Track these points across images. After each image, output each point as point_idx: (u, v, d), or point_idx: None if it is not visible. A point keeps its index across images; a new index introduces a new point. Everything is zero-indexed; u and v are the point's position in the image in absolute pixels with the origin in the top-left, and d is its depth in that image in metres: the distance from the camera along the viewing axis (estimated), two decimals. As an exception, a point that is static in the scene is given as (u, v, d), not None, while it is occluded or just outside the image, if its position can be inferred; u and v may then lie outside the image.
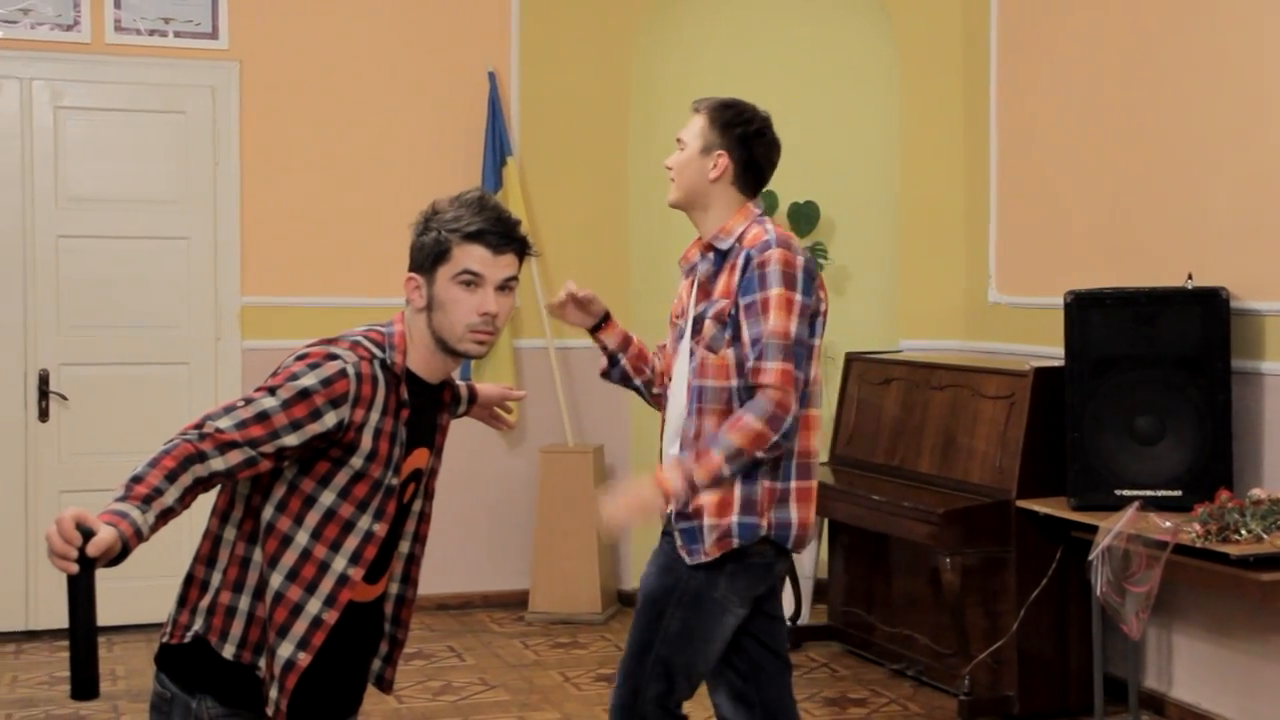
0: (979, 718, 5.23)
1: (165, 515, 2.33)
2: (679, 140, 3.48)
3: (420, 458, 2.69)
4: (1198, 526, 4.37)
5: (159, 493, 2.31)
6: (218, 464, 2.40)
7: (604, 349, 3.62)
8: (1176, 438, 4.82)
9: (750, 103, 3.50)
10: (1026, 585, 5.20)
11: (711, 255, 3.39)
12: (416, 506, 2.74)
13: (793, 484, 3.32)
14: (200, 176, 6.60)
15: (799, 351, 3.22)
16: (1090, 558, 4.57)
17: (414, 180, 6.80)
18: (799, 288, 3.25)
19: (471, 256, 2.59)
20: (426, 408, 2.69)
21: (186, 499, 2.37)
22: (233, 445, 2.41)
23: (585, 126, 7.10)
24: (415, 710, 5.39)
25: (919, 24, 6.88)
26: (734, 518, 3.28)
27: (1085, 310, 4.93)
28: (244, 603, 2.55)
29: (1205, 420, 4.78)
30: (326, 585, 2.55)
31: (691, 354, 3.34)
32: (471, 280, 2.59)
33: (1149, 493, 4.77)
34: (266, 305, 6.65)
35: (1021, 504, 5.15)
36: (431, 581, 6.95)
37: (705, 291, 3.36)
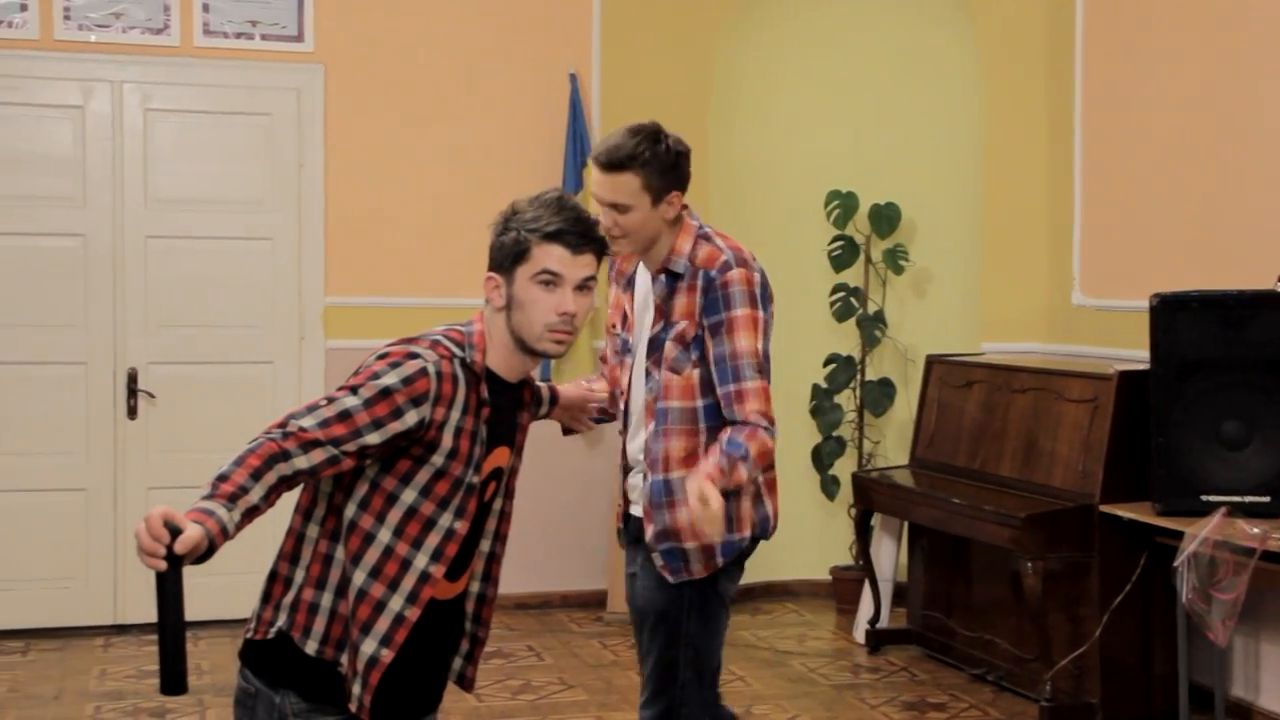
0: (1061, 724, 5.19)
1: (250, 513, 2.37)
2: (615, 205, 3.29)
3: (501, 456, 2.71)
4: (1286, 533, 4.30)
5: (244, 491, 2.35)
6: (301, 462, 2.44)
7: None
8: (1264, 443, 4.74)
9: (647, 125, 3.39)
10: (1110, 591, 5.14)
11: (664, 277, 3.36)
12: (497, 505, 2.76)
13: (761, 479, 3.42)
14: (285, 178, 6.69)
15: (767, 367, 3.32)
16: (1175, 564, 4.51)
17: (495, 181, 6.85)
18: (760, 305, 3.31)
19: (550, 256, 2.60)
20: (507, 406, 2.71)
21: (271, 497, 2.40)
22: (316, 444, 2.44)
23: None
24: (494, 709, 5.42)
25: (1002, 24, 6.82)
26: (717, 541, 3.33)
27: (1172, 313, 4.86)
28: (326, 599, 2.58)
29: (1294, 425, 4.70)
30: (409, 582, 2.57)
31: (649, 374, 3.36)
32: (550, 280, 2.61)
33: (1235, 498, 4.69)
34: (349, 305, 6.72)
35: (1105, 509, 5.09)
36: (511, 581, 6.99)
37: (661, 313, 3.35)
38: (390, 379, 2.51)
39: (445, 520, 2.59)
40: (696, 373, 3.31)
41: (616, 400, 3.47)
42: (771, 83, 7.20)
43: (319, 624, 2.58)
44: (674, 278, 3.34)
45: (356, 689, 2.57)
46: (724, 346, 3.26)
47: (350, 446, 2.47)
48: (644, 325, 3.39)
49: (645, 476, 3.38)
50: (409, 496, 2.57)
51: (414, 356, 2.55)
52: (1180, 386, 4.84)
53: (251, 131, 6.65)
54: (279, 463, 2.41)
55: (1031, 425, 5.55)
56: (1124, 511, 5.02)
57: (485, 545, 2.77)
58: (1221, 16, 5.51)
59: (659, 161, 3.32)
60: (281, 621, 2.59)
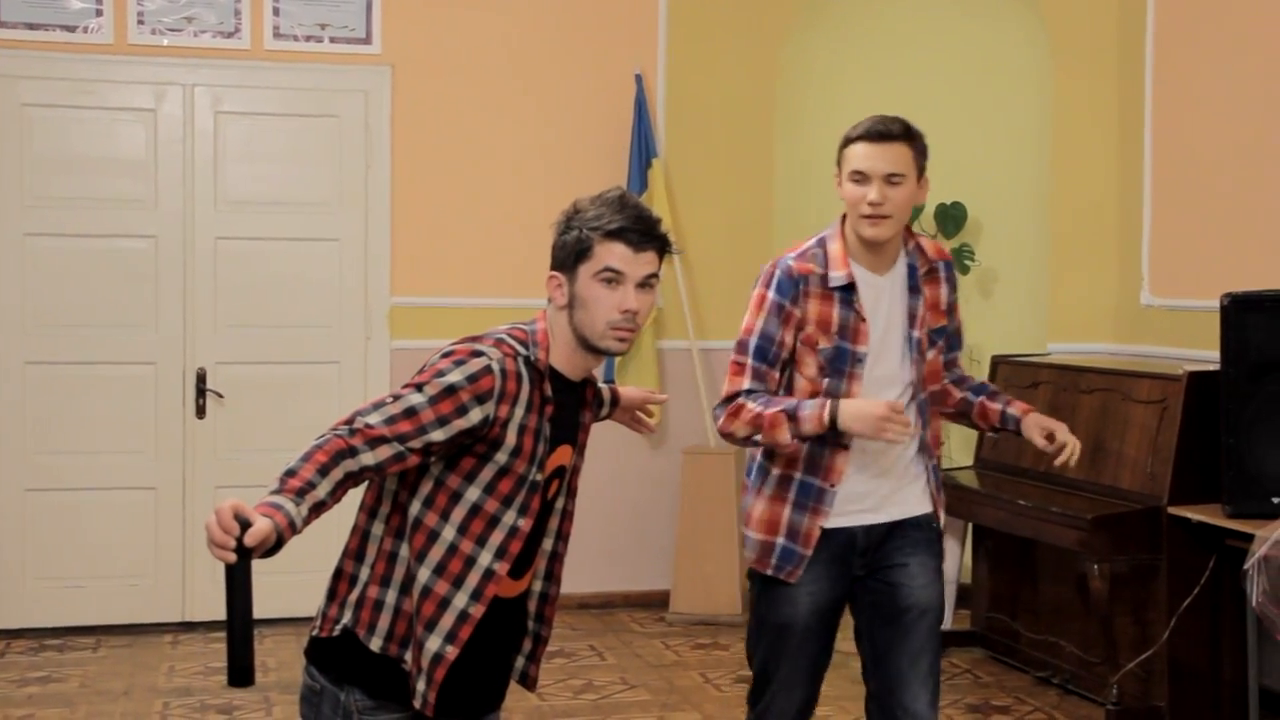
0: (1128, 729, 5.13)
1: (317, 508, 2.39)
2: (890, 175, 3.36)
3: (564, 455, 2.72)
4: (1359, 537, 4.23)
5: (311, 486, 2.38)
6: (367, 459, 2.46)
7: None
8: (1337, 445, 4.67)
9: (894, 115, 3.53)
10: (1178, 594, 5.08)
11: (909, 271, 3.48)
12: (560, 504, 2.77)
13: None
14: (352, 179, 6.74)
15: None
16: (1245, 567, 4.45)
17: (561, 181, 6.87)
18: None
19: (613, 254, 2.61)
20: (570, 405, 2.72)
21: (338, 492, 2.43)
22: (382, 440, 2.47)
23: (731, 128, 7.10)
24: (556, 708, 5.44)
25: (1072, 22, 6.76)
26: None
27: (1243, 313, 4.80)
28: (391, 597, 2.60)
29: (1368, 427, 4.62)
30: (473, 580, 2.59)
31: (912, 371, 3.48)
32: (613, 278, 2.62)
33: (1308, 501, 4.63)
34: (415, 306, 6.76)
35: (1173, 511, 5.04)
36: (574, 581, 7.00)
37: (911, 311, 3.47)
38: (455, 376, 2.53)
39: (509, 518, 2.61)
40: (941, 358, 3.57)
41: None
42: (837, 82, 7.18)
43: (384, 621, 2.60)
44: (923, 270, 3.51)
45: (421, 686, 2.59)
46: (956, 321, 3.61)
47: (416, 443, 2.49)
48: (888, 330, 3.45)
49: (927, 469, 3.53)
50: (473, 494, 2.59)
51: (478, 354, 2.57)
52: (1251, 387, 4.78)
53: (320, 133, 6.72)
54: (345, 459, 2.44)
55: (1099, 426, 5.50)
56: (1193, 514, 4.96)
57: (548, 544, 2.78)
58: (1294, 13, 5.44)
59: (922, 142, 3.44)
60: (347, 619, 2.62)
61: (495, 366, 2.56)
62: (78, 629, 6.45)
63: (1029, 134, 6.94)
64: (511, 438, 2.58)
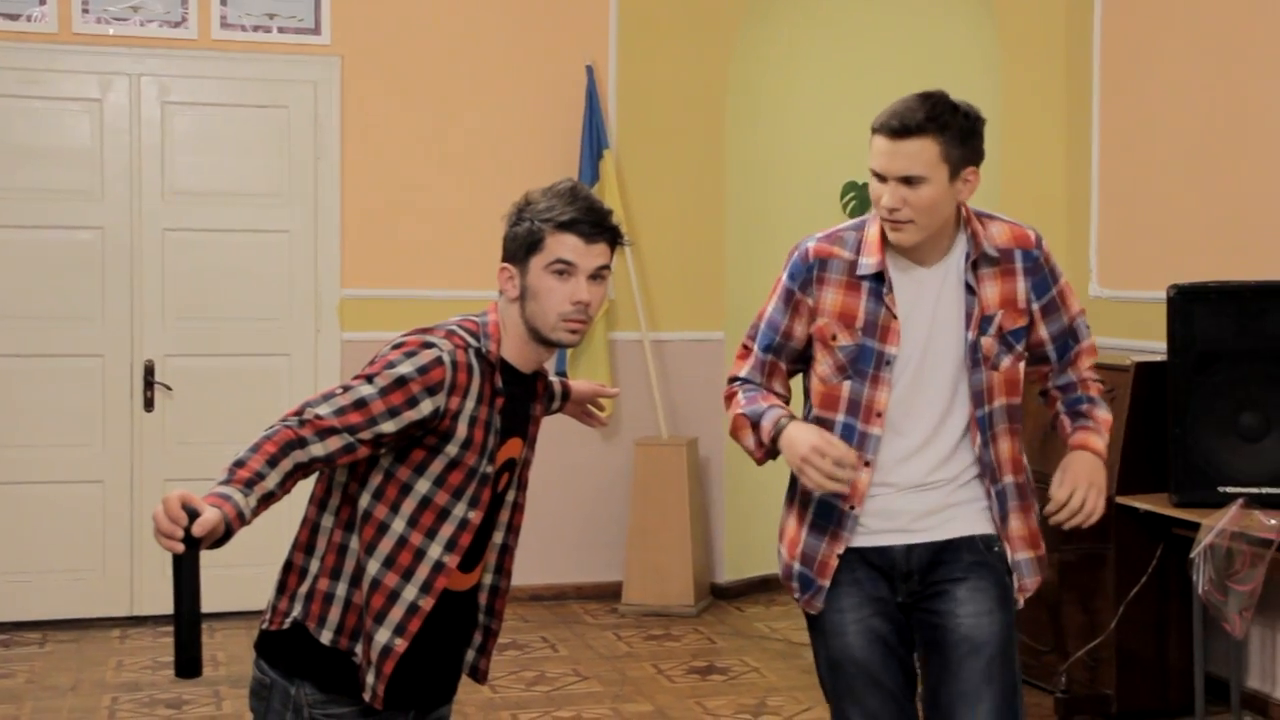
0: (1076, 716, 5.17)
1: (266, 499, 2.39)
2: (906, 178, 2.82)
3: (514, 447, 2.72)
4: (1303, 525, 4.29)
5: (260, 477, 2.37)
6: (317, 450, 2.45)
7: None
8: (1282, 434, 4.73)
9: (936, 91, 3.02)
10: (1126, 583, 5.12)
11: (971, 266, 2.92)
12: (510, 496, 2.77)
13: None
14: (302, 171, 6.70)
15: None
16: (1192, 555, 4.50)
17: (512, 173, 6.85)
18: None
19: (564, 245, 2.61)
20: (521, 397, 2.71)
21: (287, 484, 2.42)
22: (332, 431, 2.46)
23: (682, 120, 7.10)
24: (509, 700, 5.43)
25: (1021, 16, 6.80)
26: (1042, 548, 3.10)
27: (1189, 304, 4.84)
28: (341, 589, 2.59)
29: (1312, 417, 4.68)
30: (423, 572, 2.58)
31: (971, 382, 2.93)
32: (564, 269, 2.61)
33: (1253, 490, 4.68)
34: (365, 298, 6.73)
35: (1121, 500, 5.08)
36: (526, 573, 7.00)
37: (969, 311, 2.91)
38: (405, 368, 2.52)
39: (459, 510, 2.60)
40: (1020, 366, 2.99)
41: (856, 426, 2.95)
42: (789, 74, 7.19)
43: (334, 614, 2.59)
44: (980, 263, 2.93)
45: (370, 678, 2.58)
46: (1061, 320, 3.03)
47: (366, 435, 2.49)
48: (934, 331, 2.91)
49: (990, 494, 2.97)
50: (423, 486, 2.58)
51: (429, 346, 2.57)
52: (1197, 378, 4.83)
53: (268, 124, 6.67)
54: (295, 450, 2.43)
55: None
56: (1140, 503, 5.01)
57: (498, 537, 2.77)
58: (1240, 8, 5.49)
59: (958, 127, 2.84)
60: (297, 612, 2.61)
61: (446, 358, 2.55)
62: (24, 624, 6.39)
63: (978, 126, 6.97)
64: (462, 430, 2.57)
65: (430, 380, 2.53)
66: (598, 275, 2.66)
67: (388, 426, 2.50)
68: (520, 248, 2.64)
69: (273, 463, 2.40)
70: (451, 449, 2.58)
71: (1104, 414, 3.12)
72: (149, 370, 6.51)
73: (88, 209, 6.47)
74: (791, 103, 7.19)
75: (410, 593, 2.58)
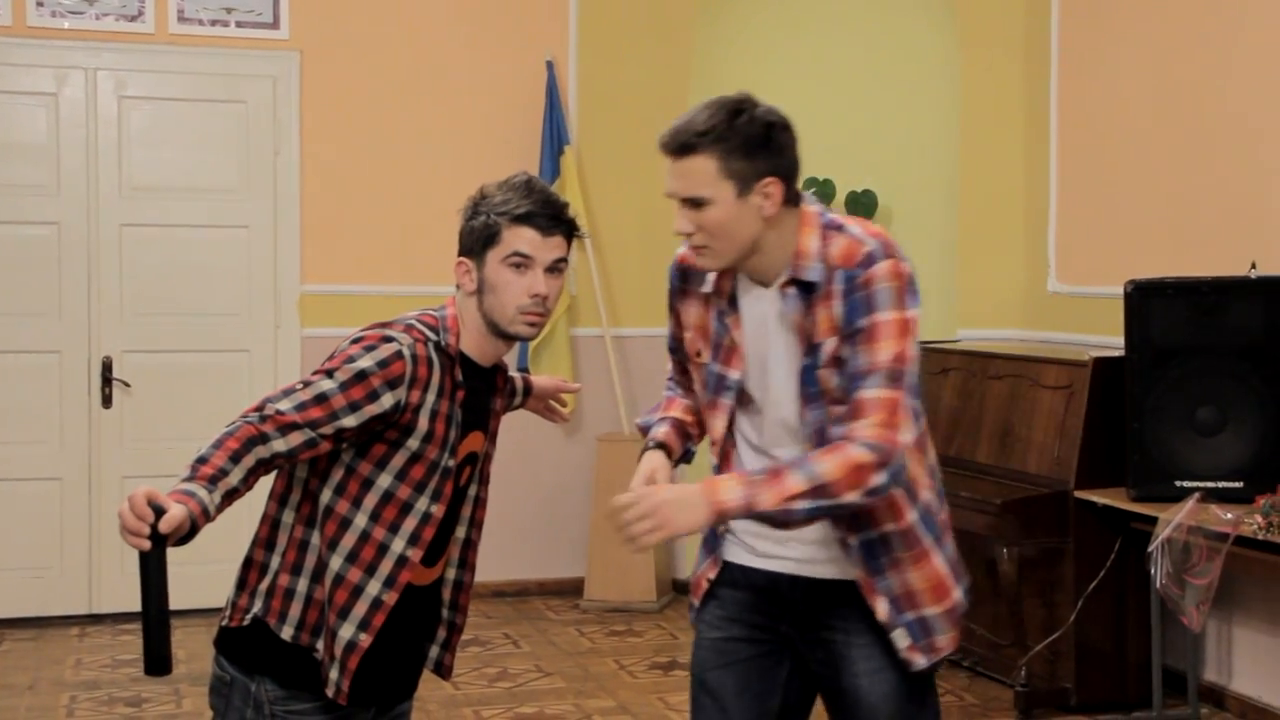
0: (1035, 709, 5.21)
1: (230, 495, 2.38)
2: (689, 199, 2.55)
3: (475, 441, 2.72)
4: (1259, 518, 4.33)
5: (224, 473, 2.37)
6: (279, 445, 2.45)
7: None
8: (1238, 429, 4.77)
9: (731, 96, 2.64)
10: (1085, 576, 5.16)
11: (795, 290, 2.58)
12: (472, 491, 2.76)
13: (945, 512, 2.75)
14: (260, 166, 6.66)
15: (909, 374, 2.55)
16: (1150, 549, 4.53)
17: (472, 169, 6.77)
18: (910, 304, 2.59)
19: (521, 238, 2.60)
20: (481, 391, 2.71)
21: (250, 479, 2.42)
22: (293, 426, 2.46)
23: (643, 116, 7.08)
24: (471, 696, 5.42)
25: (980, 13, 6.83)
26: (957, 592, 2.70)
27: (1146, 300, 4.88)
28: (302, 585, 2.59)
29: (1267, 411, 4.72)
30: (385, 567, 2.58)
31: (803, 418, 2.59)
32: (521, 262, 2.61)
33: (1210, 484, 4.72)
34: (325, 293, 6.70)
35: (1080, 495, 5.12)
36: (488, 569, 6.97)
37: (804, 336, 2.58)
38: (366, 362, 2.52)
39: (421, 504, 2.60)
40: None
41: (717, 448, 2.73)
42: (750, 69, 7.19)
43: (295, 610, 2.59)
44: (808, 288, 2.56)
45: (334, 674, 2.57)
46: (860, 358, 2.51)
47: (327, 429, 2.48)
48: (770, 357, 2.62)
49: (845, 543, 2.61)
50: (385, 481, 2.57)
51: (389, 340, 2.56)
52: (1155, 373, 4.86)
53: (227, 119, 6.63)
54: (257, 445, 2.43)
55: (1007, 412, 5.57)
56: (1099, 498, 5.04)
57: (461, 531, 2.77)
58: (1197, 6, 5.53)
59: (740, 136, 2.52)
60: (257, 608, 2.60)
61: (406, 352, 2.55)
62: (10, 621, 6.33)
63: (938, 123, 7.00)
64: (423, 423, 2.57)
65: (390, 374, 2.52)
66: (555, 268, 2.66)
67: (349, 421, 2.50)
68: (477, 241, 2.64)
69: (235, 459, 2.39)
70: (413, 443, 2.57)
71: (807, 474, 2.44)
72: (107, 366, 6.46)
73: (44, 204, 6.42)
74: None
75: (374, 588, 2.57)
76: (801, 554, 2.66)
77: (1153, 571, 4.51)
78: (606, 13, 7.02)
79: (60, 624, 6.39)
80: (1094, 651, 5.22)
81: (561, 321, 6.78)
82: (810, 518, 2.48)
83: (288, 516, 2.62)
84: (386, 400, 2.52)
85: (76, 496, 6.45)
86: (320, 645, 2.58)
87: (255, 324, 6.67)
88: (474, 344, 2.67)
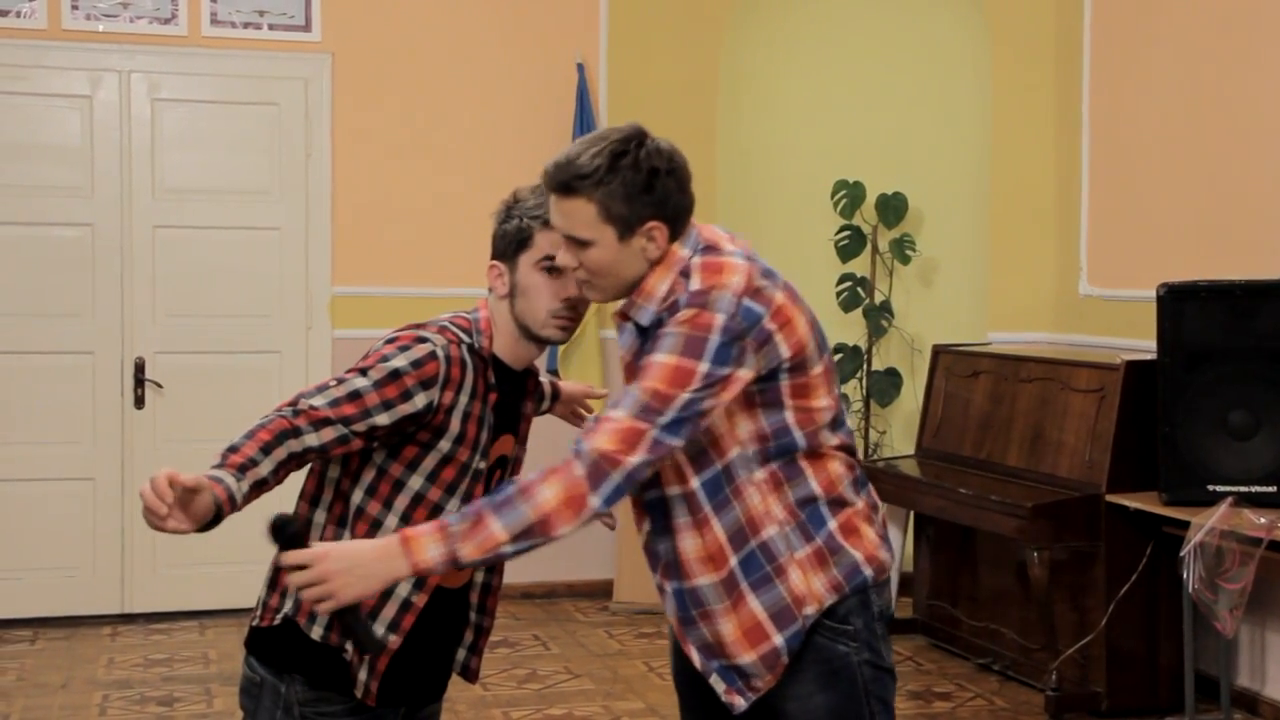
0: (1066, 713, 5.18)
1: (259, 486, 2.40)
2: (571, 238, 2.49)
3: (506, 444, 2.72)
4: (1293, 523, 4.30)
5: (254, 463, 2.38)
6: (311, 439, 2.46)
7: None
8: (1271, 432, 4.74)
9: (620, 130, 2.54)
10: (1116, 581, 5.14)
11: (630, 329, 2.56)
12: None
13: (832, 525, 2.55)
14: (292, 168, 6.69)
15: (664, 415, 2.37)
16: (1182, 554, 4.51)
17: (502, 171, 6.84)
18: (706, 358, 2.38)
19: (553, 243, 2.59)
20: (513, 394, 2.72)
21: (280, 472, 2.44)
22: (326, 422, 2.47)
23: (673, 117, 7.07)
24: (500, 698, 5.43)
25: (1011, 13, 6.81)
26: (778, 639, 2.53)
27: (1179, 303, 4.86)
28: None
29: (1301, 415, 4.69)
30: None
31: None
32: (554, 266, 2.60)
33: (1242, 488, 4.69)
34: (356, 295, 6.72)
35: (1111, 499, 5.09)
36: (517, 570, 6.98)
37: (631, 377, 2.52)
38: (400, 362, 2.53)
39: (452, 506, 2.60)
40: (738, 423, 2.50)
41: None
42: (779, 71, 7.19)
43: None
44: (641, 331, 2.52)
45: (363, 675, 2.58)
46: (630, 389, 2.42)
47: (360, 426, 2.49)
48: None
49: (662, 589, 2.64)
50: (416, 482, 2.58)
51: (423, 340, 2.57)
52: (1187, 376, 4.84)
53: (259, 121, 6.66)
54: (289, 439, 2.44)
55: (1038, 415, 5.55)
56: (1130, 501, 5.02)
57: None
58: (1231, 6, 5.50)
59: (622, 180, 2.45)
60: (288, 608, 2.60)
61: (440, 353, 2.56)
62: (15, 621, 6.37)
63: (970, 125, 6.99)
64: (456, 424, 2.57)
65: (424, 374, 2.53)
66: None
67: (382, 419, 2.50)
68: (509, 245, 2.64)
69: (266, 450, 2.41)
70: (445, 444, 2.57)
71: (509, 521, 2.32)
72: (139, 367, 6.50)
73: (77, 206, 6.46)
74: (782, 100, 7.19)
75: (404, 589, 2.58)
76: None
77: (1185, 576, 4.49)
78: (637, 15, 7.02)
79: (93, 623, 6.42)
80: (1125, 656, 5.19)
81: (591, 324, 6.78)
82: (522, 553, 2.38)
83: (319, 516, 2.63)
84: (420, 400, 2.52)
85: (109, 497, 6.48)
86: (350, 646, 2.59)
87: (287, 325, 6.69)
88: (506, 347, 2.67)
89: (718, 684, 2.57)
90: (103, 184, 6.48)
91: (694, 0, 7.05)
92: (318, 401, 2.48)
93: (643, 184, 2.47)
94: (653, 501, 2.57)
